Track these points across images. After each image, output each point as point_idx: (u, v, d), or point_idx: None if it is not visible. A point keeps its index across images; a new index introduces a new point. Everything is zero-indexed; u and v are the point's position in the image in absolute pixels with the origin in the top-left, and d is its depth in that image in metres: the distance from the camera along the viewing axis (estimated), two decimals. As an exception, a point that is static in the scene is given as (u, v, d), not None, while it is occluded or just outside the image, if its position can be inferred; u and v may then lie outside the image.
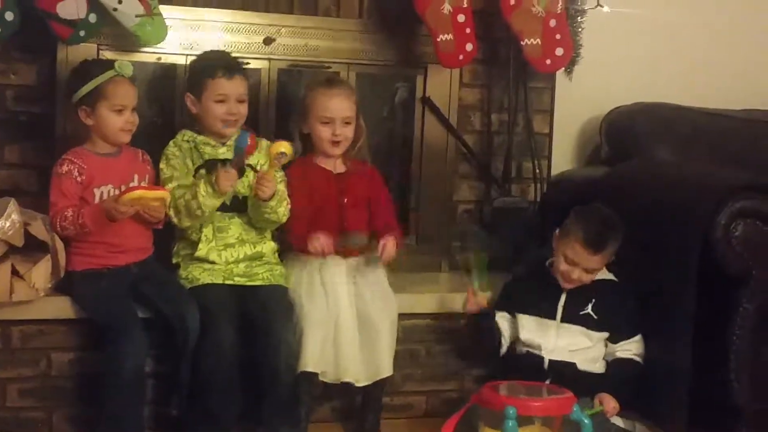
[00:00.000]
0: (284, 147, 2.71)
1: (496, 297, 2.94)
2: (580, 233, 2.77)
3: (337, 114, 2.87)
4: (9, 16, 2.77)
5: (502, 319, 2.88)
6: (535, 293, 2.86)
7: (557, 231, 2.85)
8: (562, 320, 2.81)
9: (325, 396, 2.88)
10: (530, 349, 2.82)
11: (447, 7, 3.13)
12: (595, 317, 2.80)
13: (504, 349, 2.88)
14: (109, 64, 2.78)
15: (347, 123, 2.89)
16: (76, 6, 2.84)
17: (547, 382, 2.73)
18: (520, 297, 2.88)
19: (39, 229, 2.64)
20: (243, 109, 2.85)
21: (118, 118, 2.75)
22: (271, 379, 2.67)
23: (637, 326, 2.83)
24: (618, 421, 2.71)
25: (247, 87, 2.87)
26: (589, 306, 2.81)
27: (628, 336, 2.82)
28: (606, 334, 2.82)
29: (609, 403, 2.70)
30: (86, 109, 2.75)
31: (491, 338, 2.87)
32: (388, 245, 2.81)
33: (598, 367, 2.83)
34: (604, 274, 2.86)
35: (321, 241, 2.75)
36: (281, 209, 2.79)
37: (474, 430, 2.59)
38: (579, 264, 2.78)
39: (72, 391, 2.74)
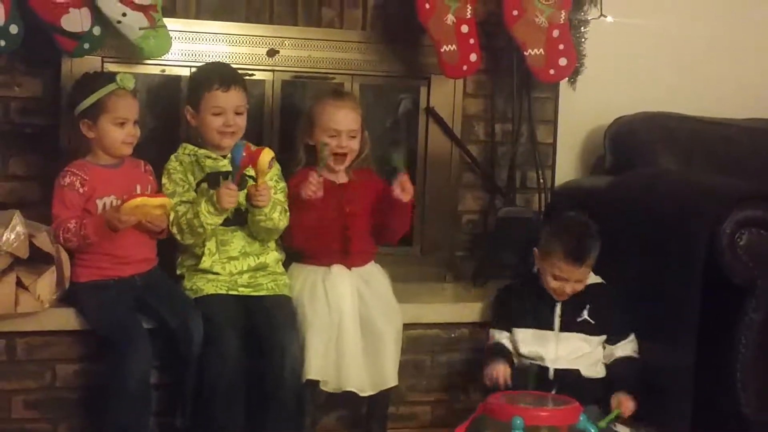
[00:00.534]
0: (270, 153, 2.70)
1: (489, 311, 2.95)
2: (560, 251, 2.79)
3: (343, 126, 2.87)
4: (13, 29, 2.78)
5: (502, 337, 2.87)
6: (530, 306, 2.86)
7: (536, 250, 2.86)
8: (561, 330, 2.81)
9: (330, 405, 2.87)
10: (533, 361, 2.82)
11: (450, 18, 3.13)
12: (593, 322, 2.81)
13: (516, 365, 2.86)
14: (111, 77, 2.78)
15: (353, 136, 2.89)
16: (80, 19, 2.85)
17: (553, 392, 2.73)
18: (516, 311, 2.88)
19: (44, 241, 2.64)
20: (241, 121, 2.84)
21: (120, 131, 2.76)
22: (276, 389, 2.67)
23: (631, 324, 2.83)
24: (625, 430, 2.71)
25: (245, 98, 2.86)
26: (585, 312, 2.82)
27: (626, 335, 2.83)
28: (604, 337, 2.82)
29: (626, 404, 2.70)
30: (88, 122, 2.75)
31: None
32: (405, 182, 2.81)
33: (600, 372, 2.82)
34: (592, 278, 2.88)
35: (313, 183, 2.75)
36: (275, 215, 2.78)
37: (480, 441, 2.59)
38: (569, 279, 2.79)
39: (77, 403, 2.73)
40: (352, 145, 2.90)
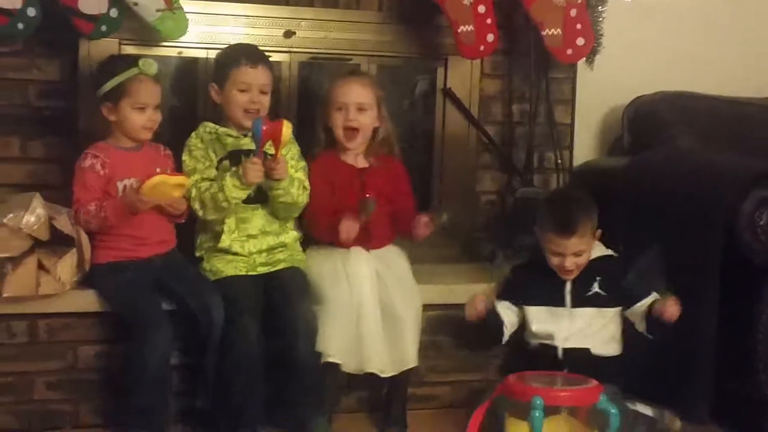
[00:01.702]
0: (289, 125, 2.70)
1: (499, 287, 2.94)
2: (549, 224, 2.79)
3: (349, 99, 2.87)
4: (31, 12, 2.78)
5: (504, 308, 2.86)
6: (541, 283, 2.85)
7: (536, 229, 2.85)
8: (573, 305, 2.80)
9: (350, 386, 2.88)
10: (543, 341, 2.81)
11: (470, -1, 3.12)
12: (604, 294, 2.79)
13: (506, 338, 2.86)
14: (134, 62, 2.77)
15: (361, 110, 2.88)
16: (97, 1, 2.85)
17: (565, 371, 2.72)
18: (526, 288, 2.87)
19: (64, 223, 2.66)
20: (265, 101, 2.85)
21: (140, 115, 2.76)
22: (294, 361, 2.67)
23: (647, 289, 2.78)
24: (646, 410, 2.70)
25: (271, 78, 2.87)
26: (596, 285, 2.80)
27: (646, 295, 2.78)
28: (618, 308, 2.79)
29: (671, 306, 2.65)
30: (109, 105, 2.76)
31: (495, 330, 2.86)
32: (423, 220, 2.81)
33: (613, 349, 2.80)
34: (603, 251, 2.86)
35: (347, 227, 2.75)
36: (294, 189, 2.79)
37: (500, 421, 2.59)
38: (564, 252, 2.77)
39: (98, 384, 2.75)
40: (361, 120, 2.89)
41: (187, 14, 2.95)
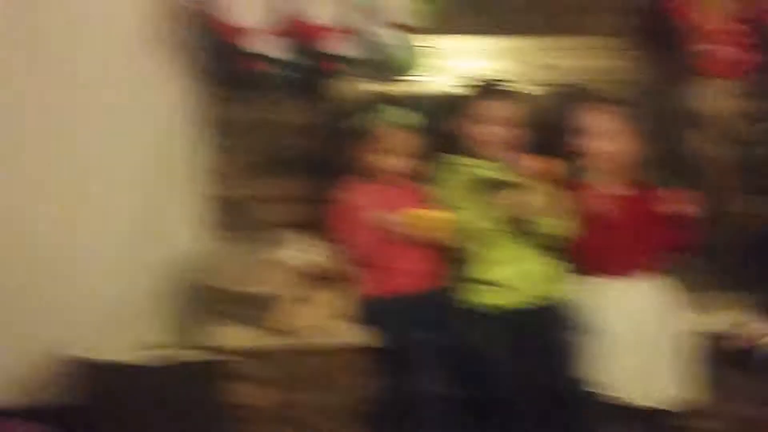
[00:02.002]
0: (547, 163, 2.73)
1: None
2: None
3: (590, 126, 2.85)
4: (294, 58, 2.89)
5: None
6: None
7: None
8: None
9: (618, 418, 2.79)
10: None
11: (717, 19, 3.06)
12: None
13: None
14: (381, 107, 2.85)
15: (603, 137, 2.85)
16: (339, 42, 2.93)
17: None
18: None
19: (329, 259, 2.75)
20: (511, 133, 2.86)
21: (386, 160, 2.82)
22: (559, 393, 2.65)
23: None
24: None
25: (515, 111, 2.89)
26: None
27: None
28: None
29: None
30: (359, 144, 2.83)
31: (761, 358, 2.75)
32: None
33: None
34: None
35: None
36: (545, 222, 2.77)
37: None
38: None
39: (370, 416, 2.77)
40: (601, 146, 2.85)
41: (433, 50, 2.99)
